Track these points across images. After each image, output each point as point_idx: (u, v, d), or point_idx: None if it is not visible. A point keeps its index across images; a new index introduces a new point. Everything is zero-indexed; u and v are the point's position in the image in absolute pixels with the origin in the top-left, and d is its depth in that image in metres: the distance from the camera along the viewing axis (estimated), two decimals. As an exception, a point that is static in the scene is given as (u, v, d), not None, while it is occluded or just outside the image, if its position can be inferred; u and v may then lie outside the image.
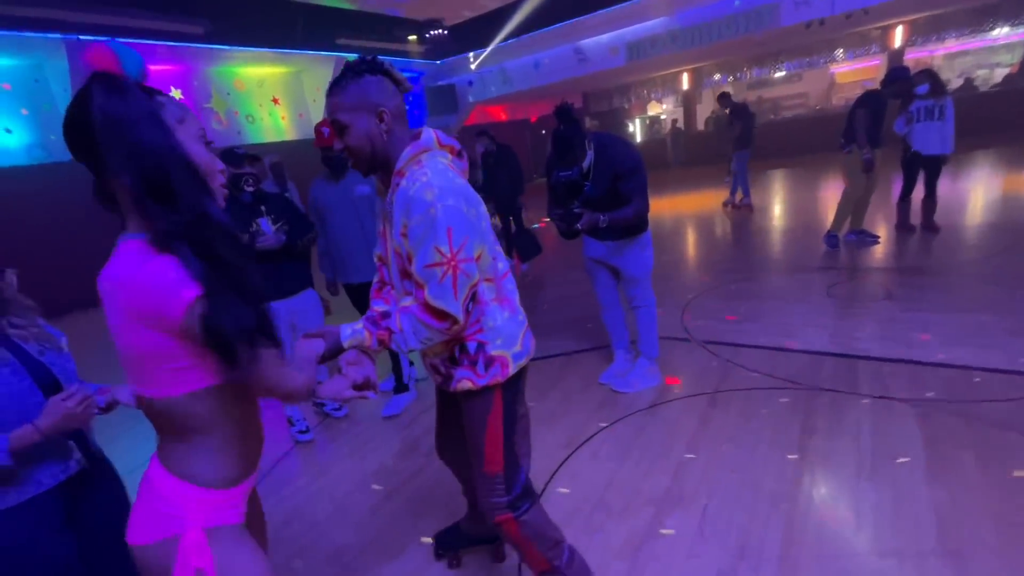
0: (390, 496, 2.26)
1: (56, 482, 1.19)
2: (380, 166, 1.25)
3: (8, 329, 1.17)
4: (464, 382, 1.29)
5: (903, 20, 10.93)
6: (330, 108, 1.22)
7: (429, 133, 1.26)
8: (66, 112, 0.78)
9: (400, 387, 3.07)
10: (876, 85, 11.56)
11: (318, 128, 2.59)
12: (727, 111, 7.17)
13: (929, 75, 4.65)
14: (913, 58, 13.38)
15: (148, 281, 0.74)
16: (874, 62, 13.11)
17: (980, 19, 10.50)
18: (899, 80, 4.54)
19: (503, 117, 16.46)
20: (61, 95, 7.75)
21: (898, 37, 11.19)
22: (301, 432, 2.81)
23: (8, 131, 7.55)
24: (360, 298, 2.91)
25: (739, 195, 7.38)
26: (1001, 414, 2.14)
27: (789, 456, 2.10)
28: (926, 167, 4.73)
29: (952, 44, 12.08)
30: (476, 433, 1.35)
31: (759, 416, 2.41)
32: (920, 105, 4.58)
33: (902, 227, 4.95)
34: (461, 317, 1.18)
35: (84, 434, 1.30)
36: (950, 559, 1.53)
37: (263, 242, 2.46)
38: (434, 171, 1.17)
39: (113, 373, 1.23)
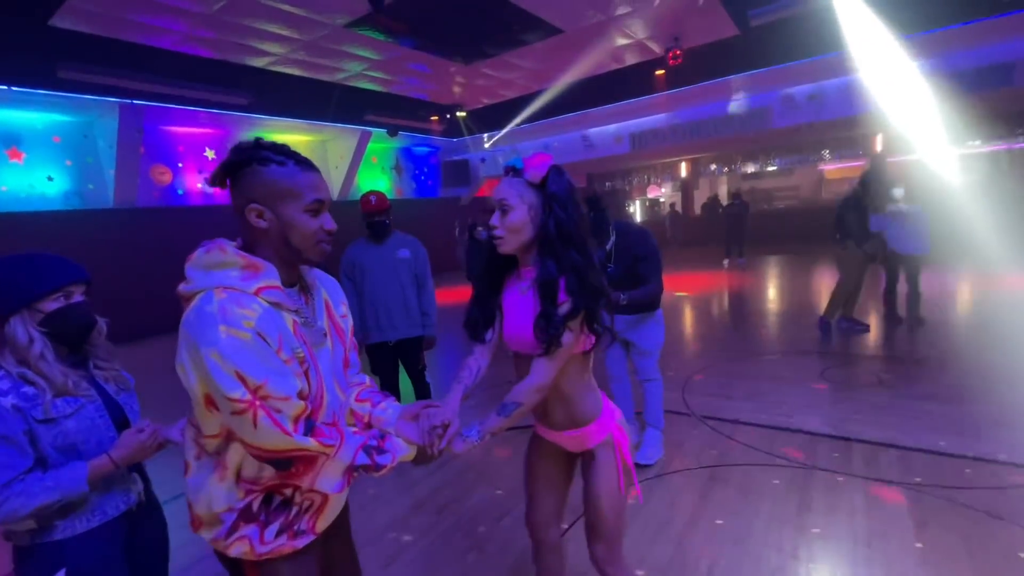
0: (404, 548, 2.33)
1: (119, 512, 1.29)
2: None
3: (94, 370, 1.31)
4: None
5: (884, 130, 11.90)
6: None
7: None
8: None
9: None
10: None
11: (366, 196, 2.92)
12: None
13: (902, 181, 5.12)
14: (894, 162, 14.40)
15: None
16: (860, 163, 14.10)
17: (953, 132, 11.43)
18: (875, 180, 4.88)
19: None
20: (106, 150, 8.32)
21: (880, 143, 12.13)
22: None
23: (50, 179, 8.03)
24: (386, 358, 3.10)
25: None
26: (984, 501, 2.28)
27: (787, 529, 2.22)
28: (904, 265, 5.08)
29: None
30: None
31: (758, 491, 2.53)
32: (895, 208, 5.00)
33: (889, 318, 5.23)
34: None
35: (142, 468, 1.40)
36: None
37: None
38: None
39: (145, 411, 1.42)
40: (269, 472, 1.02)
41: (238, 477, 1.03)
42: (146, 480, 1.41)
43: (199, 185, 9.91)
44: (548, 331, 1.20)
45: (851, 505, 2.35)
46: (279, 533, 1.05)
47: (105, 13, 5.62)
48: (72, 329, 1.25)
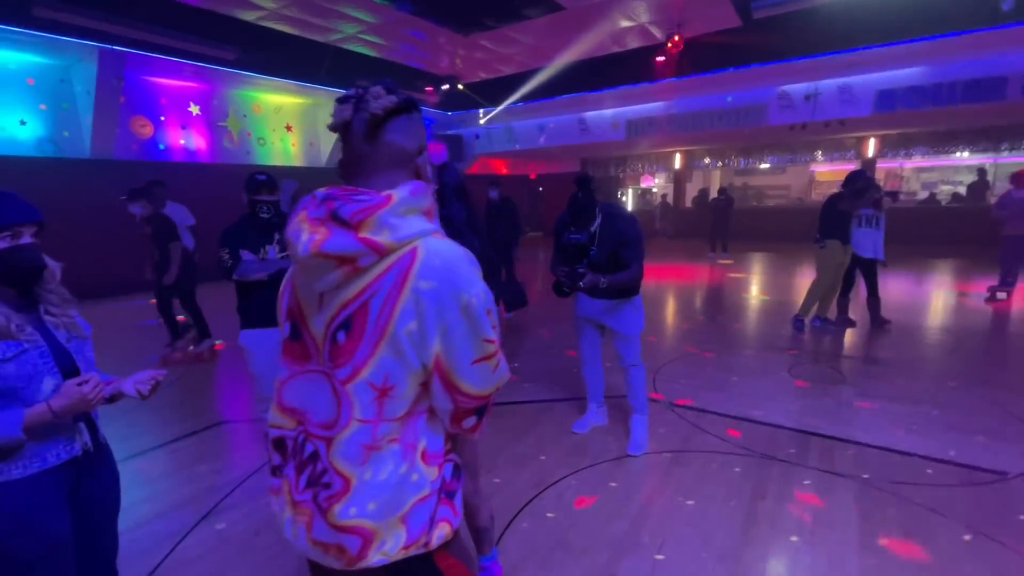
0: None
1: (60, 461, 1.26)
2: None
3: (44, 316, 1.28)
4: None
5: (875, 134, 11.99)
6: None
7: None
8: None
9: None
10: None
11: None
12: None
13: (876, 188, 5.15)
14: (885, 167, 14.59)
15: None
16: (850, 166, 14.22)
17: (943, 141, 11.59)
18: (858, 181, 4.81)
19: (504, 170, 17.17)
20: (84, 97, 8.01)
21: (871, 148, 12.23)
22: None
23: (23, 123, 7.73)
24: None
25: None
26: (928, 498, 2.36)
27: (738, 515, 2.28)
28: (863, 268, 5.15)
29: (919, 160, 13.21)
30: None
31: (716, 477, 2.60)
32: (865, 212, 5.05)
33: (841, 322, 5.27)
34: None
35: (94, 420, 1.37)
36: (870, 619, 1.69)
37: (245, 272, 2.43)
38: None
39: (104, 364, 1.39)
40: (444, 438, 0.95)
41: (424, 456, 0.90)
42: (94, 430, 1.38)
43: (181, 141, 9.63)
44: None
45: (802, 495, 2.42)
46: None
47: (85, -50, 5.36)
48: (18, 271, 1.21)
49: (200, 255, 5.00)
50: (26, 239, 1.21)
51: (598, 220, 2.69)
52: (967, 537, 2.09)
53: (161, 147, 9.36)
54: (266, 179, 2.53)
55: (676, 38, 7.75)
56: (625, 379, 2.98)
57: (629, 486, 2.54)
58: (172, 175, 8.97)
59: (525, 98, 10.93)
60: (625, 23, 7.81)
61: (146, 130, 9.10)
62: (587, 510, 2.34)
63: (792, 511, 2.30)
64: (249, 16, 7.26)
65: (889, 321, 5.20)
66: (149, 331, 5.63)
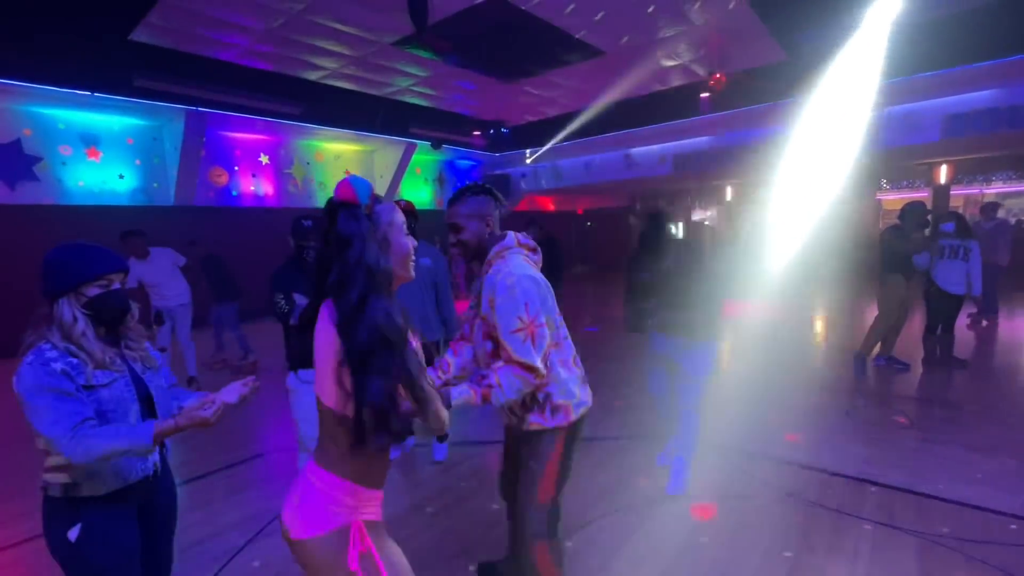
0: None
1: (137, 478, 1.42)
2: (478, 256, 1.68)
3: (125, 350, 1.45)
4: (535, 424, 1.62)
5: (946, 160, 11.27)
6: (451, 214, 1.67)
7: (511, 235, 1.68)
8: (319, 219, 1.24)
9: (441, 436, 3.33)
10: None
11: (397, 201, 3.08)
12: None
13: (955, 216, 4.84)
14: (963, 194, 13.57)
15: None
16: (921, 194, 13.35)
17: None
18: (911, 213, 4.55)
19: (551, 207, 17.41)
20: (171, 152, 8.99)
21: (943, 174, 11.48)
22: None
23: (121, 176, 8.74)
24: None
25: None
26: (1003, 558, 2.13)
27: (780, 568, 2.14)
28: (947, 304, 4.75)
29: (999, 185, 12.24)
30: (536, 468, 1.64)
31: (760, 526, 2.45)
32: (945, 244, 4.72)
33: (928, 360, 4.91)
34: (543, 369, 1.53)
35: (164, 442, 1.50)
36: None
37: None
38: (514, 263, 1.59)
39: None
40: None
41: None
42: (163, 450, 1.55)
43: (252, 187, 10.52)
44: None
45: (855, 550, 2.24)
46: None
47: (177, 28, 6.14)
48: (110, 312, 1.39)
49: (259, 295, 5.38)
50: (116, 285, 1.40)
51: (671, 255, 2.69)
52: (1049, 607, 1.86)
53: (234, 193, 10.25)
54: (312, 225, 2.63)
55: (718, 75, 7.76)
56: (682, 420, 2.85)
57: (665, 533, 2.44)
58: (243, 218, 9.81)
59: (570, 137, 11.17)
60: (668, 62, 7.92)
61: (222, 179, 10.02)
62: (620, 556, 2.28)
63: (842, 568, 2.13)
64: (313, 76, 7.97)
65: (966, 362, 4.77)
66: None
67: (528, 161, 13.78)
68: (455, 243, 1.67)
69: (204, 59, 7.00)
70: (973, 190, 13.26)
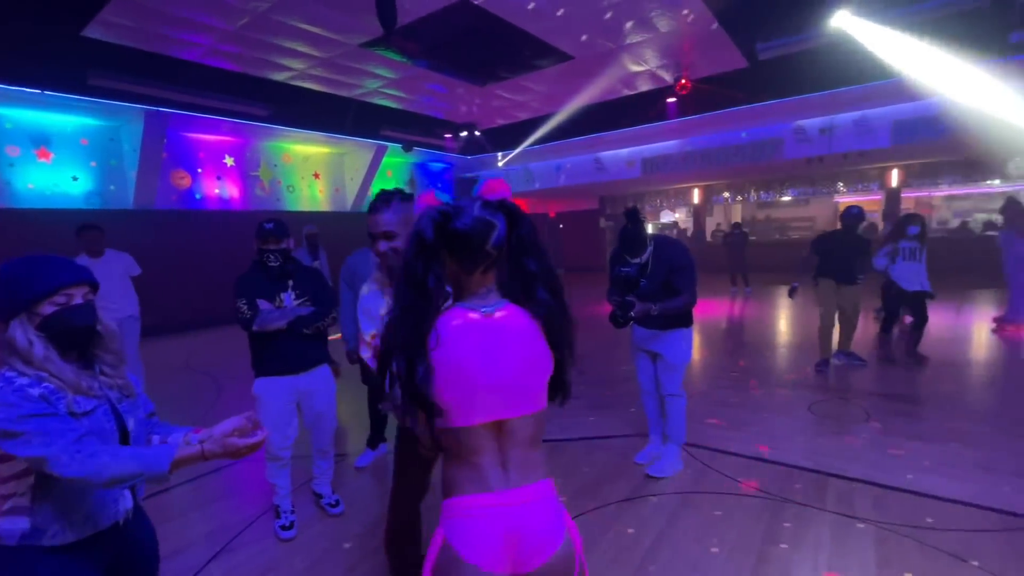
0: (365, 557, 2.36)
1: (109, 524, 1.23)
2: None
3: (99, 376, 1.26)
4: None
5: (897, 164, 11.84)
6: (382, 222, 1.63)
7: None
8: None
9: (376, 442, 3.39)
10: (879, 217, 12.10)
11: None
12: None
13: (920, 219, 5.07)
14: (913, 196, 14.28)
15: None
16: (875, 196, 14.00)
17: (970, 170, 11.35)
18: (852, 217, 4.77)
19: (524, 209, 17.50)
20: (130, 154, 8.67)
21: (894, 178, 12.06)
22: (284, 528, 2.57)
23: (75, 179, 8.37)
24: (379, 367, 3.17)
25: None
26: (953, 543, 2.24)
27: (748, 561, 2.20)
28: (910, 303, 5.00)
29: (948, 189, 12.93)
30: None
31: (726, 520, 2.52)
32: (906, 245, 4.93)
33: (884, 358, 5.14)
34: None
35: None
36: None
37: (265, 322, 2.40)
38: None
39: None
40: None
41: None
42: (134, 491, 1.35)
43: (216, 190, 10.22)
44: None
45: (817, 539, 2.33)
46: None
47: (135, 26, 5.92)
48: (69, 333, 1.19)
49: (224, 301, 5.23)
50: (78, 300, 1.20)
51: (649, 249, 2.80)
52: (994, 587, 1.98)
53: (198, 196, 9.94)
54: (273, 227, 2.47)
55: (684, 81, 7.96)
56: (665, 408, 3.04)
57: (635, 530, 2.49)
58: (207, 222, 9.52)
59: (541, 140, 11.27)
60: (634, 68, 8.08)
61: (184, 182, 9.71)
62: (593, 554, 2.30)
63: (806, 556, 2.22)
64: (280, 76, 7.81)
65: (926, 358, 5.00)
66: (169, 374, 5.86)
67: (500, 164, 13.82)
68: (387, 251, 1.64)
69: (164, 58, 6.77)
70: (923, 193, 14.00)
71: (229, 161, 10.37)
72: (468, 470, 1.01)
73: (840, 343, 5.12)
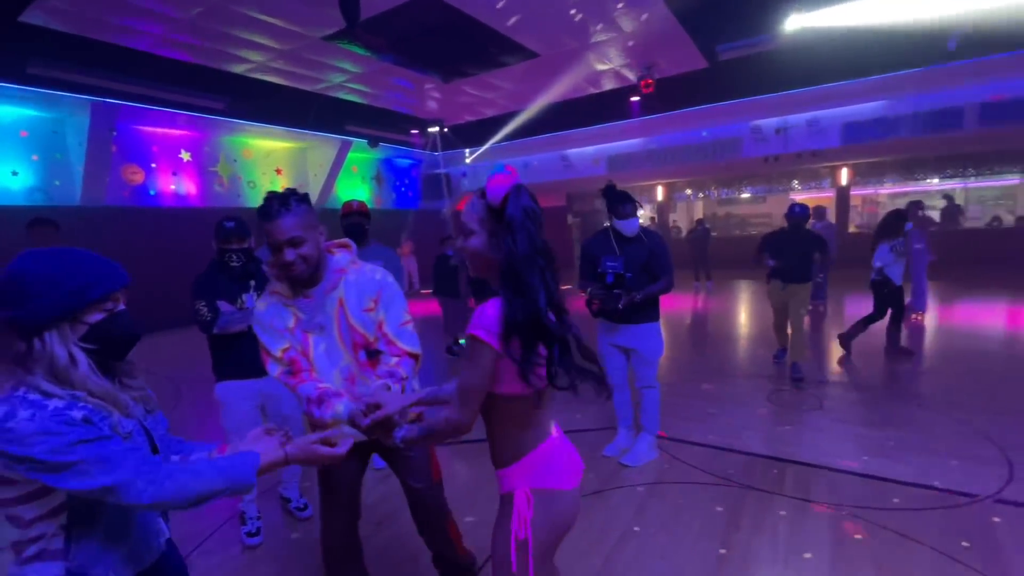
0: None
1: (153, 560, 1.10)
2: (317, 271, 1.55)
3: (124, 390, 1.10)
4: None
5: (846, 164, 12.43)
6: (287, 227, 1.42)
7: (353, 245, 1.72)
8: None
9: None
10: (831, 214, 12.58)
11: (349, 201, 3.02)
12: None
13: (907, 215, 5.10)
14: (860, 194, 15.04)
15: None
16: (827, 194, 14.67)
17: (912, 169, 12.04)
18: (798, 215, 4.65)
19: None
20: (76, 147, 8.20)
21: (844, 177, 12.66)
22: (250, 534, 2.49)
23: (15, 173, 7.86)
24: None
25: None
26: (900, 522, 2.40)
27: (712, 547, 2.29)
28: (899, 297, 5.03)
29: (891, 187, 13.67)
30: (421, 454, 1.81)
31: (692, 509, 2.61)
32: (899, 242, 4.95)
33: (904, 353, 5.06)
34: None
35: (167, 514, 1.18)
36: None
37: (227, 324, 2.34)
38: (371, 266, 1.68)
39: None
40: None
41: None
42: (166, 517, 1.21)
43: (172, 186, 9.80)
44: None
45: (775, 524, 2.44)
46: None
47: (78, 12, 5.61)
48: (119, 343, 1.03)
49: (183, 302, 5.03)
50: (121, 306, 1.05)
51: (637, 219, 2.99)
52: (933, 560, 2.12)
53: (152, 192, 9.51)
54: (235, 226, 2.39)
55: (647, 80, 8.12)
56: (640, 400, 3.19)
57: (605, 520, 2.55)
58: (163, 219, 9.12)
59: (508, 137, 11.29)
60: (599, 66, 8.19)
61: (137, 177, 9.27)
62: (563, 545, 2.35)
63: (766, 540, 2.32)
64: (238, 68, 7.54)
65: (913, 353, 5.10)
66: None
67: (468, 160, 13.77)
68: (295, 260, 1.46)
69: (111, 46, 6.44)
70: (869, 191, 14.77)
71: (185, 156, 9.96)
72: (535, 427, 1.23)
73: (792, 353, 4.59)
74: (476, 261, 1.22)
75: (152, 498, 0.92)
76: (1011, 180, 13.70)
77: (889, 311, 5.12)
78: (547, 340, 1.13)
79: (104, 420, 0.96)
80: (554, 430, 1.29)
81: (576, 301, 2.85)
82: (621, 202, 2.96)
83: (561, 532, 1.24)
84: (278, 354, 1.55)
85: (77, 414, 0.93)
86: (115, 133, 8.38)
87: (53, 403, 0.92)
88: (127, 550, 1.03)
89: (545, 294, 1.12)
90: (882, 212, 15.21)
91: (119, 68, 6.71)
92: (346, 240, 1.72)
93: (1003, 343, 5.50)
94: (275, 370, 1.56)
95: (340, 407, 1.46)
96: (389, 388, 1.50)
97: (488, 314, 1.12)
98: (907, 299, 6.15)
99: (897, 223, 4.98)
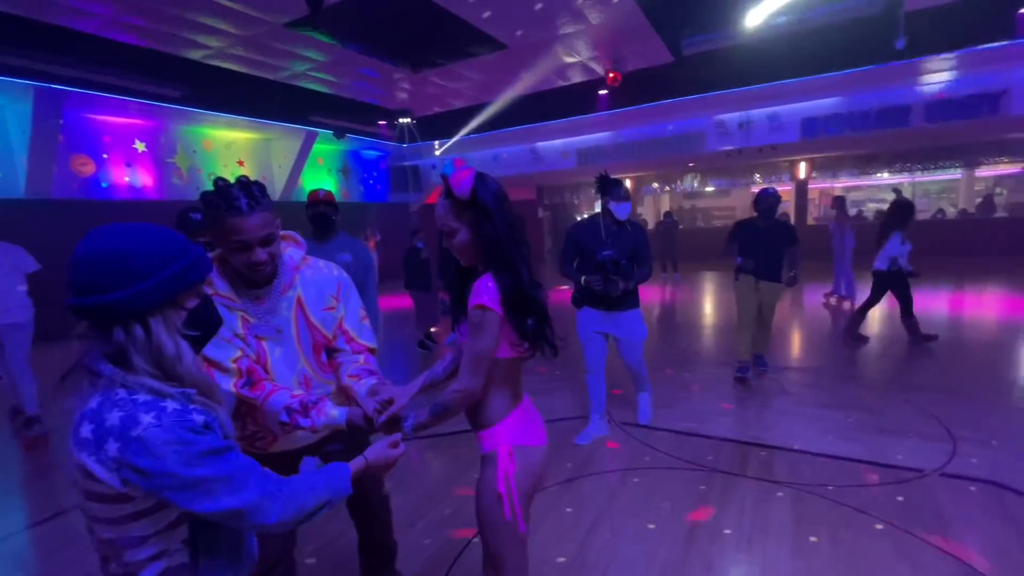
0: (311, 555, 2.30)
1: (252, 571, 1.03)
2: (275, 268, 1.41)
3: None
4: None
5: (804, 158, 12.90)
6: (258, 225, 1.28)
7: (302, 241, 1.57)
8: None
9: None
10: (790, 208, 12.99)
11: (315, 190, 2.94)
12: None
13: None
14: (818, 188, 15.66)
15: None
16: (786, 187, 15.21)
17: (865, 164, 12.59)
18: (769, 199, 4.20)
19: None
20: (18, 136, 7.72)
21: (802, 171, 13.13)
22: None
23: (-50, 164, 7.35)
24: None
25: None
26: (856, 498, 2.53)
27: (683, 529, 2.37)
28: (906, 285, 5.12)
29: (846, 181, 14.28)
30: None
31: (662, 494, 2.69)
32: (907, 233, 5.03)
33: (927, 338, 5.09)
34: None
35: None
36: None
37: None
38: (323, 262, 1.60)
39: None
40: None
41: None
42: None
43: (126, 178, 9.35)
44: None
45: (742, 505, 2.54)
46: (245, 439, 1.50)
47: (18, -9, 5.26)
48: (209, 333, 0.95)
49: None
50: (208, 290, 1.00)
51: (626, 206, 3.13)
52: (886, 531, 2.25)
53: (104, 185, 9.05)
54: (202, 218, 2.26)
55: (614, 73, 8.19)
56: (634, 374, 3.51)
57: (577, 508, 2.60)
58: (116, 213, 8.68)
59: (478, 130, 11.21)
60: (567, 59, 8.22)
61: (87, 168, 8.80)
62: (537, 535, 2.38)
63: (732, 521, 2.41)
64: (195, 55, 7.23)
65: (867, 339, 5.34)
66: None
67: (437, 153, 13.61)
68: (267, 259, 1.33)
69: (55, 28, 6.07)
70: (825, 184, 15.38)
71: (140, 146, 9.50)
72: (510, 388, 1.36)
73: (755, 344, 4.49)
74: (466, 254, 1.32)
75: (279, 518, 0.85)
76: (954, 175, 14.53)
77: (897, 303, 5.21)
78: (534, 308, 1.27)
79: (216, 422, 0.87)
80: (524, 395, 1.44)
81: (559, 293, 2.90)
82: (616, 185, 3.10)
83: (537, 483, 1.38)
84: (230, 365, 1.36)
85: (197, 418, 0.82)
86: (62, 121, 7.92)
87: (170, 405, 0.81)
88: (242, 560, 0.97)
89: (525, 268, 1.27)
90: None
91: (64, 51, 6.34)
92: (291, 233, 1.55)
93: (948, 328, 5.83)
94: (228, 383, 1.36)
95: (335, 412, 1.40)
96: (386, 383, 1.48)
97: (489, 286, 1.23)
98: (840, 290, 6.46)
99: (909, 213, 5.09)
